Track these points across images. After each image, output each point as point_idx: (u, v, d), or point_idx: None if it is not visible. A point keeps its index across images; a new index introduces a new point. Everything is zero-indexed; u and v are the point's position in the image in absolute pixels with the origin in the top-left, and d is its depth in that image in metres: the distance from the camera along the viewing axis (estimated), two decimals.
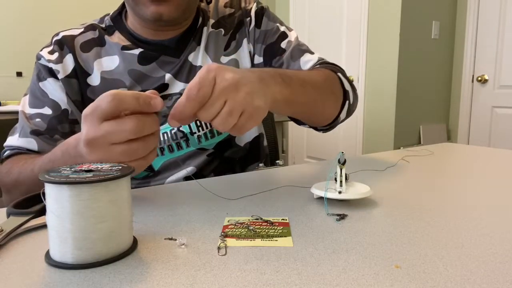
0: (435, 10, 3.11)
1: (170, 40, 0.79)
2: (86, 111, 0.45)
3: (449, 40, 3.27)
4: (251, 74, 0.52)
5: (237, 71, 0.49)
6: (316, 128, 0.80)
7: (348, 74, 0.82)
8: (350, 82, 0.79)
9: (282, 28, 0.85)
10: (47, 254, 0.37)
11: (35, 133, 0.72)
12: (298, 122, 0.78)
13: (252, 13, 0.84)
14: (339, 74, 0.77)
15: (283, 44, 0.83)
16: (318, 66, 0.80)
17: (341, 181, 0.53)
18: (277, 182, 0.67)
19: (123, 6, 0.82)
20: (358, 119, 3.26)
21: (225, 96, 0.47)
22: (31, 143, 0.72)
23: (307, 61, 0.81)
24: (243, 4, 0.86)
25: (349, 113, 0.80)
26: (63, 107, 0.75)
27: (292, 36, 0.85)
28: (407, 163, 0.81)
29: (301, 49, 0.83)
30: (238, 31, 0.84)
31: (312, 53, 0.84)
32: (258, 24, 0.84)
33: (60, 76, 0.75)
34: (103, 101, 0.44)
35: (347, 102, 0.76)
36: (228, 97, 0.47)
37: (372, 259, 0.36)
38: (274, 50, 0.83)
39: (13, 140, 0.73)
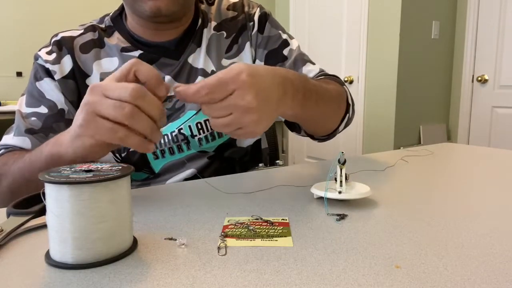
0: (435, 10, 3.11)
1: (169, 42, 0.78)
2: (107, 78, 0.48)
3: (449, 40, 3.27)
4: (274, 92, 0.51)
5: (260, 90, 0.48)
6: (312, 137, 0.81)
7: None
8: (351, 96, 0.81)
9: (284, 36, 0.86)
10: (47, 254, 0.37)
11: (30, 131, 0.72)
12: (292, 129, 0.79)
13: (256, 18, 0.84)
14: (345, 87, 0.79)
15: (285, 52, 0.84)
16: (322, 77, 0.80)
17: (341, 181, 0.53)
18: (277, 182, 0.67)
19: (123, 6, 0.81)
20: (358, 119, 3.26)
21: (232, 111, 0.47)
22: (25, 142, 0.72)
23: (309, 71, 0.82)
24: (246, 9, 0.85)
25: (347, 125, 0.82)
26: (59, 107, 0.75)
27: (294, 44, 0.86)
28: (407, 163, 0.81)
29: (303, 59, 0.84)
30: (241, 34, 0.84)
31: (313, 63, 0.85)
32: (261, 30, 0.84)
33: (56, 77, 0.75)
34: (124, 64, 0.47)
35: (347, 115, 0.78)
36: (235, 114, 0.48)
37: (372, 259, 0.36)
38: (276, 56, 0.83)
39: (8, 139, 0.73)
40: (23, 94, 0.77)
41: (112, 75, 0.48)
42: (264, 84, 0.49)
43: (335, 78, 0.81)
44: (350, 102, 0.78)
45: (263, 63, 0.84)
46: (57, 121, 0.74)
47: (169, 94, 0.49)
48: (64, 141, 0.53)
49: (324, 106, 0.67)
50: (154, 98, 0.46)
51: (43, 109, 0.74)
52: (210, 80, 0.46)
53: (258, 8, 0.86)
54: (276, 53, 0.83)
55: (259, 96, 0.48)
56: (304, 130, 0.77)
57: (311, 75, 0.82)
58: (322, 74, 0.82)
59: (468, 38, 3.19)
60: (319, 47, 3.54)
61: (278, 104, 0.53)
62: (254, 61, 0.85)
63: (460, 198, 0.56)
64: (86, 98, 0.46)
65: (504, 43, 3.00)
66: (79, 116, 0.47)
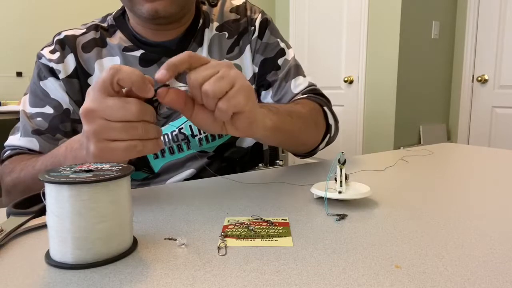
0: (435, 10, 3.11)
1: (171, 41, 0.79)
2: (90, 87, 0.46)
3: (449, 40, 3.27)
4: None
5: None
6: (295, 154, 0.83)
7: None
8: (334, 116, 0.83)
9: (282, 45, 0.86)
10: (47, 254, 0.37)
11: (37, 132, 0.72)
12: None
13: (257, 23, 0.85)
14: (325, 108, 0.80)
15: (280, 61, 0.85)
16: (305, 95, 0.82)
17: (341, 181, 0.53)
18: (277, 182, 0.67)
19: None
20: (358, 119, 3.26)
21: (219, 68, 0.47)
22: (33, 143, 0.72)
23: (298, 85, 0.84)
24: (248, 13, 0.86)
25: (328, 143, 0.84)
26: (64, 107, 0.75)
27: (289, 54, 0.87)
28: (407, 163, 0.81)
29: (295, 71, 0.86)
30: (242, 37, 0.84)
31: (304, 76, 0.87)
32: (260, 35, 0.85)
33: (61, 76, 0.75)
34: (103, 73, 0.45)
35: (328, 135, 0.80)
36: (223, 70, 0.47)
37: (372, 259, 0.36)
38: (271, 65, 0.84)
39: (15, 139, 0.73)
40: (25, 94, 0.77)
41: (94, 89, 0.45)
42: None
43: (320, 97, 0.82)
44: (331, 122, 0.80)
45: (257, 68, 0.84)
46: (63, 121, 0.74)
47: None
48: (81, 159, 0.52)
49: (298, 119, 0.69)
50: (151, 108, 0.46)
51: (48, 109, 0.74)
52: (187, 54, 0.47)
53: (260, 14, 0.86)
54: (271, 61, 0.84)
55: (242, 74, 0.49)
56: (285, 147, 0.79)
57: (298, 89, 0.84)
58: (309, 90, 0.84)
59: (468, 38, 3.20)
60: (319, 47, 3.53)
61: (258, 105, 0.54)
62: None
63: (460, 198, 0.56)
64: (87, 127, 0.45)
65: (504, 43, 3.00)
66: (89, 146, 0.46)
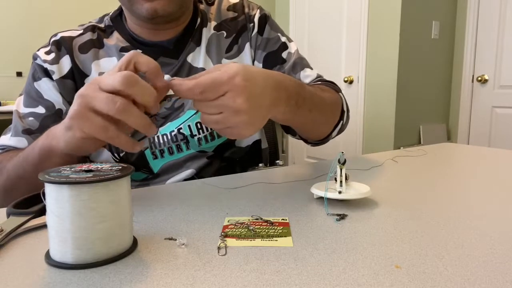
0: (435, 10, 3.11)
1: (168, 41, 0.79)
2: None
3: (449, 40, 3.27)
4: (266, 97, 0.52)
5: (253, 94, 0.49)
6: (306, 141, 0.82)
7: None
8: (347, 103, 0.82)
9: (283, 39, 0.86)
10: (47, 254, 0.37)
11: (27, 132, 0.72)
12: (287, 131, 0.79)
13: (256, 20, 0.84)
14: (341, 94, 0.79)
15: (284, 54, 0.84)
16: (319, 83, 0.81)
17: (341, 181, 0.53)
18: (277, 182, 0.67)
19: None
20: (358, 119, 3.26)
21: (223, 110, 0.48)
22: (22, 142, 0.72)
23: (306, 76, 0.83)
24: (246, 10, 0.86)
25: (340, 132, 0.82)
26: (57, 107, 0.75)
27: (292, 48, 0.86)
28: (407, 163, 0.81)
29: (302, 63, 0.85)
30: (241, 35, 0.84)
31: (311, 68, 0.86)
32: (260, 31, 0.84)
33: (55, 76, 0.75)
34: (123, 57, 0.48)
35: (341, 122, 0.78)
36: (225, 114, 0.48)
37: (372, 259, 0.36)
38: (275, 58, 0.84)
39: (5, 139, 0.73)
40: (21, 94, 0.77)
41: (112, 68, 0.48)
42: (257, 88, 0.50)
43: (331, 84, 0.82)
44: (345, 109, 0.79)
45: (261, 64, 0.84)
46: (54, 121, 0.74)
47: (167, 94, 0.49)
48: (56, 134, 0.53)
49: (318, 114, 0.68)
50: (147, 85, 0.45)
51: (40, 109, 0.74)
52: (204, 80, 0.47)
53: (258, 10, 0.86)
54: (275, 55, 0.84)
55: (251, 100, 0.48)
56: (298, 133, 0.78)
57: (308, 80, 0.83)
58: (319, 80, 0.83)
59: (468, 38, 3.19)
60: (319, 47, 3.53)
61: (269, 109, 0.53)
62: (253, 62, 0.85)
63: (460, 198, 0.56)
64: (81, 90, 0.46)
65: (504, 43, 3.00)
66: (72, 108, 0.47)
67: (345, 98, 0.81)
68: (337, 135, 0.81)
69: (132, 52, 0.48)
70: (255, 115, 0.50)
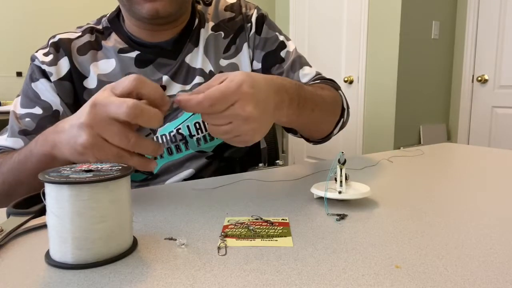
0: (435, 10, 3.11)
1: (166, 42, 0.78)
2: (108, 85, 0.47)
3: (449, 40, 3.27)
4: (271, 101, 0.53)
5: (260, 101, 0.50)
6: (308, 140, 0.82)
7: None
8: (346, 100, 0.83)
9: (281, 38, 0.86)
10: (47, 254, 0.37)
11: (23, 133, 0.72)
12: (288, 130, 0.79)
13: (253, 19, 0.84)
14: (340, 92, 0.80)
15: (283, 53, 0.85)
16: (318, 81, 0.81)
17: (341, 181, 0.53)
18: (277, 181, 0.67)
19: (120, 7, 0.81)
20: (358, 119, 3.26)
21: (232, 120, 0.49)
22: (18, 143, 0.71)
23: (305, 74, 0.84)
24: (243, 10, 0.86)
25: (341, 128, 0.83)
26: (54, 108, 0.74)
27: (290, 46, 0.86)
28: (407, 163, 0.81)
29: (300, 62, 0.85)
30: (239, 35, 0.84)
31: (310, 66, 0.86)
32: (258, 31, 0.84)
33: (53, 78, 0.75)
34: (127, 79, 0.45)
35: (342, 120, 0.80)
36: (235, 123, 0.49)
37: (372, 259, 0.36)
38: (274, 58, 0.84)
39: (1, 140, 0.73)
40: (18, 95, 0.77)
41: (113, 89, 0.46)
42: (262, 94, 0.51)
43: (331, 82, 0.82)
44: (345, 106, 0.80)
45: (260, 64, 0.84)
46: (51, 122, 0.73)
47: (168, 94, 0.49)
48: (60, 145, 0.51)
49: (319, 113, 0.68)
50: (155, 111, 0.45)
51: (37, 110, 0.73)
52: (213, 93, 0.47)
53: (255, 10, 0.86)
54: (273, 54, 0.84)
55: (259, 106, 0.49)
56: (299, 133, 0.78)
57: (307, 78, 0.83)
58: (319, 77, 0.84)
59: (468, 38, 3.19)
60: (319, 47, 3.53)
61: (274, 113, 0.55)
62: (251, 62, 0.85)
63: (460, 198, 0.56)
64: (89, 117, 0.45)
65: (504, 43, 3.00)
66: (82, 135, 0.46)
67: (344, 95, 0.82)
68: (338, 132, 0.82)
69: (136, 79, 0.45)
70: (263, 120, 0.51)
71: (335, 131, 0.80)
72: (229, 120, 0.49)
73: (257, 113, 0.49)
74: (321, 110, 0.69)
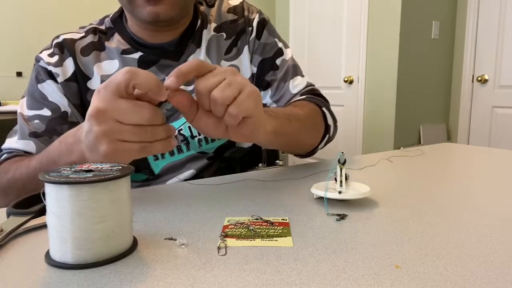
0: (435, 10, 3.11)
1: (169, 43, 0.78)
2: (100, 86, 0.46)
3: (449, 40, 3.27)
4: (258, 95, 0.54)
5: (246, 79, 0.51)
6: (295, 155, 0.84)
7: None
8: (333, 115, 0.84)
9: (280, 44, 0.87)
10: (47, 254, 0.37)
11: (34, 135, 0.72)
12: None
13: (254, 24, 0.85)
14: (324, 109, 0.81)
15: (278, 61, 0.85)
16: (304, 97, 0.82)
17: (341, 181, 0.53)
18: (277, 182, 0.67)
19: (123, 8, 0.81)
20: (358, 119, 3.26)
21: (226, 75, 0.48)
22: (30, 145, 0.71)
23: (296, 85, 0.84)
24: (246, 13, 0.86)
25: (327, 143, 0.84)
26: (62, 109, 0.74)
27: (287, 54, 0.87)
28: (407, 163, 0.81)
29: (293, 71, 0.86)
30: (240, 38, 0.84)
31: (302, 76, 0.87)
32: (258, 36, 0.85)
33: (59, 79, 0.74)
34: (118, 74, 0.44)
35: (327, 135, 0.81)
36: (229, 77, 0.48)
37: (372, 259, 0.36)
38: (269, 65, 0.85)
39: (12, 142, 0.72)
40: (23, 96, 0.76)
41: (106, 89, 0.45)
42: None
43: (318, 98, 0.82)
44: (329, 122, 0.80)
45: (255, 68, 0.85)
46: (60, 124, 0.73)
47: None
48: (88, 155, 0.50)
49: (297, 122, 0.69)
50: (161, 113, 0.47)
51: (46, 112, 0.73)
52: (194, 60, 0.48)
53: (257, 14, 0.86)
54: (269, 61, 0.85)
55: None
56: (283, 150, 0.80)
57: (296, 90, 0.84)
58: (308, 90, 0.84)
59: (468, 38, 3.20)
60: (319, 47, 3.53)
61: (265, 118, 0.55)
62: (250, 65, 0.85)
63: (460, 198, 0.56)
64: (97, 128, 0.45)
65: (504, 43, 3.00)
66: (99, 146, 0.46)
67: (330, 112, 0.82)
68: (324, 146, 0.84)
69: (129, 72, 0.44)
70: (254, 88, 0.50)
71: (320, 146, 0.82)
72: (223, 76, 0.48)
73: (242, 77, 0.49)
74: (297, 120, 0.70)
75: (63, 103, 0.74)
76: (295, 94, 0.83)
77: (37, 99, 0.74)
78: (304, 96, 0.82)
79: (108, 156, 0.46)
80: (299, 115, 0.72)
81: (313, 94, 0.83)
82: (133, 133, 0.45)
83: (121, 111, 0.44)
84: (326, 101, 0.84)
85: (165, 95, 0.46)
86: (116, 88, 0.44)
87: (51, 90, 0.74)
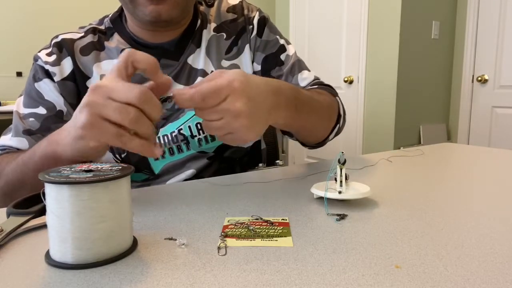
0: (435, 10, 3.11)
1: (169, 42, 0.78)
2: (98, 82, 0.47)
3: (449, 40, 3.27)
4: (266, 100, 0.53)
5: (252, 98, 0.49)
6: (304, 144, 0.83)
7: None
8: (343, 106, 0.84)
9: (282, 41, 0.87)
10: (47, 254, 0.37)
11: (28, 132, 0.72)
12: (285, 133, 0.80)
13: (255, 22, 0.85)
14: (338, 98, 0.81)
15: (282, 57, 0.85)
16: (316, 87, 0.82)
17: (341, 181, 0.53)
18: (277, 182, 0.67)
19: (122, 8, 0.81)
20: (358, 119, 3.26)
21: (223, 115, 0.48)
22: (22, 142, 0.71)
23: (304, 79, 0.84)
24: (245, 12, 0.86)
25: (337, 134, 0.84)
26: (58, 108, 0.74)
27: (290, 50, 0.87)
28: (406, 163, 0.81)
29: (299, 66, 0.86)
30: (240, 37, 0.84)
31: (309, 70, 0.87)
32: (259, 33, 0.85)
33: (56, 78, 0.75)
34: (118, 58, 0.47)
35: (337, 125, 0.81)
36: (226, 119, 0.49)
37: (372, 259, 0.36)
38: (274, 60, 0.85)
39: (6, 139, 0.73)
40: (21, 95, 0.77)
41: (110, 72, 0.46)
42: (256, 91, 0.51)
43: (328, 88, 0.83)
44: (341, 112, 0.81)
45: (260, 66, 0.84)
46: (55, 122, 0.73)
47: (168, 95, 0.49)
48: (61, 141, 0.52)
49: (316, 117, 0.69)
50: (158, 102, 0.46)
51: (41, 110, 0.73)
52: (204, 87, 0.47)
53: (257, 12, 0.86)
54: (273, 57, 0.84)
55: (250, 102, 0.49)
56: (295, 136, 0.79)
57: (305, 82, 0.84)
58: (316, 82, 0.84)
59: (468, 38, 3.19)
60: (319, 47, 3.53)
61: (270, 113, 0.54)
62: (252, 64, 0.85)
63: (460, 198, 0.56)
64: (88, 99, 0.45)
65: (504, 43, 3.00)
66: (80, 117, 0.46)
67: (341, 102, 0.83)
68: (333, 137, 0.83)
69: (127, 51, 0.46)
70: (254, 118, 0.50)
71: (330, 137, 0.81)
72: (220, 116, 0.48)
73: (247, 109, 0.48)
74: (317, 114, 0.69)
75: (59, 102, 0.75)
76: (304, 87, 0.83)
77: (34, 98, 0.74)
78: (316, 86, 0.82)
79: (83, 128, 0.45)
80: (321, 108, 0.72)
81: (322, 85, 0.84)
82: (115, 110, 0.44)
83: (115, 87, 0.44)
84: (336, 91, 0.85)
85: (162, 77, 0.48)
86: (117, 69, 0.46)
87: (48, 89, 0.74)
